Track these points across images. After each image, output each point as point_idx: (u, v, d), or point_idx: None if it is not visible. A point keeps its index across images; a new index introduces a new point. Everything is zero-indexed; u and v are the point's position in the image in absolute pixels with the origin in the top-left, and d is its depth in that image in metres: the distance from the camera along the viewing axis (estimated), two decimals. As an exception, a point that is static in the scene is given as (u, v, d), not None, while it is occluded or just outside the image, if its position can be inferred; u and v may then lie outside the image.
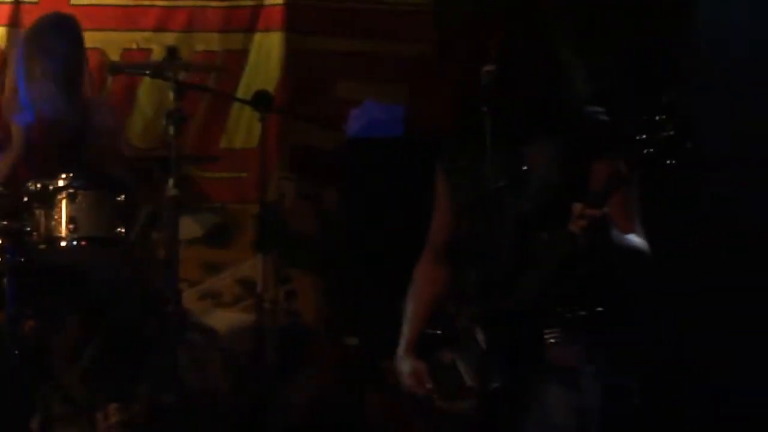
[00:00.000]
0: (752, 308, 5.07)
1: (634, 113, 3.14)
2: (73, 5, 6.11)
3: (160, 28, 6.23)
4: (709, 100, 4.88)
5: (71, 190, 4.77)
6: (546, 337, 3.26)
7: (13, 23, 6.09)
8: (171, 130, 5.08)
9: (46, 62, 5.28)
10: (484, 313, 3.26)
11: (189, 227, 5.89)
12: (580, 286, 3.27)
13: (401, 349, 3.52)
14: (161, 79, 5.29)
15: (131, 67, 6.10)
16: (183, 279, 5.40)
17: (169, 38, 6.09)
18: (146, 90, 6.18)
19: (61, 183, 4.84)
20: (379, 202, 5.58)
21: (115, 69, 6.08)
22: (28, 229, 4.86)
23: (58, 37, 5.33)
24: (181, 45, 5.83)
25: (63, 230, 4.71)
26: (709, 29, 5.24)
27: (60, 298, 4.97)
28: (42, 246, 4.87)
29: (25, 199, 4.91)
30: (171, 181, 5.04)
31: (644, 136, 3.01)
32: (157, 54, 6.09)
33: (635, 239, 3.29)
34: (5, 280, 4.75)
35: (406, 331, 3.55)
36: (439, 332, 3.45)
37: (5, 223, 4.83)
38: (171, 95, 5.14)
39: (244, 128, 6.23)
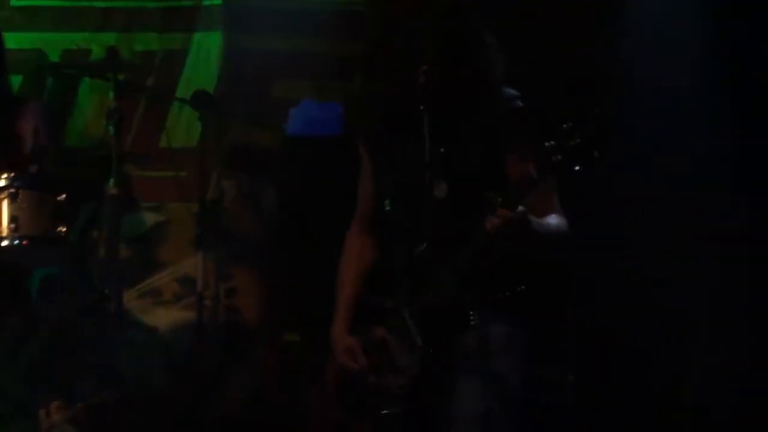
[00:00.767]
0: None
1: (548, 118, 3.22)
2: (14, 6, 6.13)
3: (99, 29, 6.25)
4: (631, 109, 4.96)
5: (12, 190, 4.75)
6: (468, 319, 3.35)
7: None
8: (111, 129, 5.11)
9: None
10: (410, 295, 3.37)
11: (129, 226, 5.91)
12: (498, 271, 3.36)
13: (336, 326, 3.62)
14: (101, 79, 5.32)
15: (71, 67, 6.11)
16: (123, 277, 5.43)
17: (109, 38, 6.10)
18: (86, 90, 6.19)
19: (2, 183, 4.82)
20: (318, 200, 5.63)
21: (54, 69, 6.09)
22: (-30, 228, 4.85)
23: None
24: (120, 45, 5.86)
25: (4, 230, 4.69)
26: (634, 38, 5.33)
27: (0, 298, 4.97)
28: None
29: (-34, 199, 4.89)
30: (111, 180, 5.08)
31: (552, 143, 3.08)
32: (97, 54, 6.10)
33: (553, 221, 3.38)
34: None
35: (339, 302, 3.64)
36: (370, 308, 3.55)
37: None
38: (111, 95, 5.17)
39: (183, 127, 6.24)
